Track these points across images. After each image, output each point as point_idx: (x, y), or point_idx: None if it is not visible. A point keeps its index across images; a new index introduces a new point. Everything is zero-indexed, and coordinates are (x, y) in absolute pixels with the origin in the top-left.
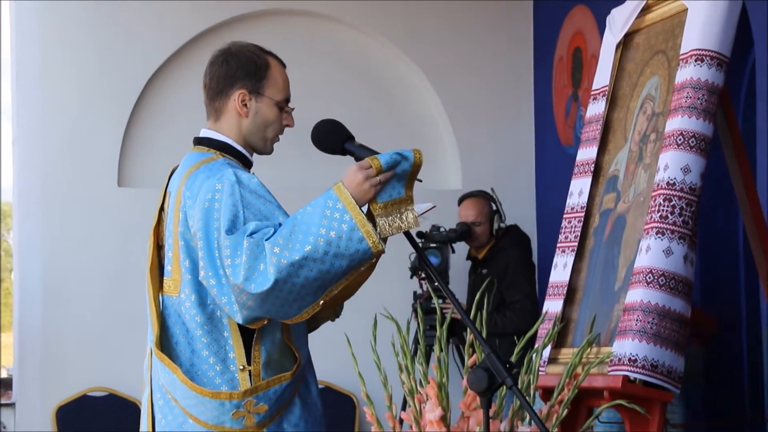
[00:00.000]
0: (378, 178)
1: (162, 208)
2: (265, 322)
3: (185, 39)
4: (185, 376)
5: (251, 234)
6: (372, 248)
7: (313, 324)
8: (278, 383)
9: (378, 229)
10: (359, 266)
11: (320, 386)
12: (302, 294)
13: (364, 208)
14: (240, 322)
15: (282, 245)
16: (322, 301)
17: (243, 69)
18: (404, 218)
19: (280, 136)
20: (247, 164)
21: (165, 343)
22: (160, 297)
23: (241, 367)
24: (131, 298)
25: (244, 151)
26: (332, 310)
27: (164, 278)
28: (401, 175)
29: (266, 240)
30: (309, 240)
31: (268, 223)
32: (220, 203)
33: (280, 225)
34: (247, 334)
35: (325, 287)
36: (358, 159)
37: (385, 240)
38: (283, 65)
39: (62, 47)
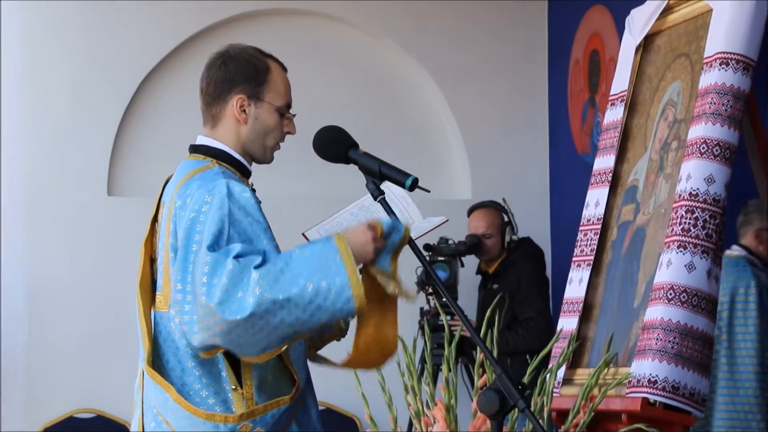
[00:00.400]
0: (380, 243)
1: (155, 219)
2: (219, 352)
3: (179, 40)
4: (179, 395)
5: (237, 257)
6: (357, 310)
7: (318, 344)
8: (276, 407)
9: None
10: (333, 322)
11: (321, 408)
12: (271, 336)
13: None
14: (194, 344)
15: (270, 279)
16: (285, 347)
17: (242, 73)
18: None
19: (280, 144)
20: (246, 173)
21: (155, 362)
22: (152, 313)
23: (234, 387)
24: (121, 315)
25: (242, 160)
26: (338, 329)
27: (156, 293)
28: (389, 247)
29: (255, 268)
30: (298, 282)
31: (253, 248)
32: (206, 216)
33: (264, 252)
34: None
35: (294, 335)
36: (361, 167)
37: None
38: (284, 69)
39: (49, 48)
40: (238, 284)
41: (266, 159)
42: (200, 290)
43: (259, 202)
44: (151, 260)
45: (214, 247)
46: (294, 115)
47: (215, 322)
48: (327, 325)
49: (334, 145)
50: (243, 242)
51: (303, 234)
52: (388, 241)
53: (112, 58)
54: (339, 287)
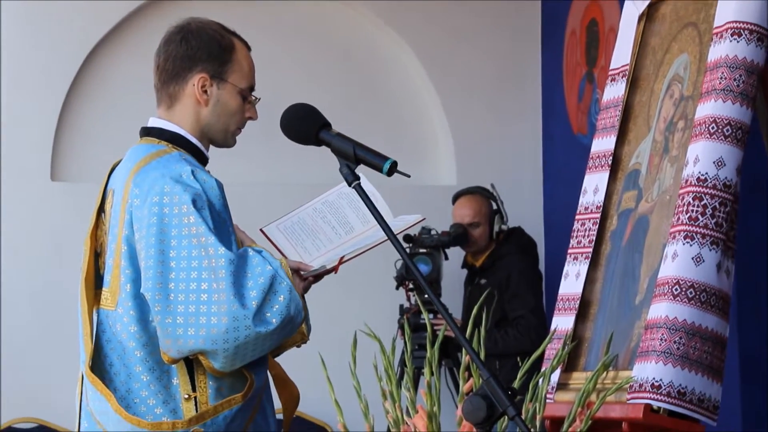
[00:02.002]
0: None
1: (101, 209)
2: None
3: (127, 10)
4: (119, 405)
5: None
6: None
7: (277, 350)
8: (228, 407)
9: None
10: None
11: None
12: (257, 350)
13: None
14: (174, 352)
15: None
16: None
17: (205, 50)
18: None
19: (246, 129)
20: (203, 160)
21: (97, 365)
22: (95, 311)
23: (186, 396)
24: (65, 313)
25: (199, 145)
26: (299, 334)
27: (102, 289)
28: None
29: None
30: (291, 309)
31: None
32: (179, 209)
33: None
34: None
35: (255, 354)
36: (334, 150)
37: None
38: (249, 48)
39: None
40: (268, 294)
41: (227, 143)
42: (228, 296)
43: (224, 196)
44: (96, 253)
45: (224, 244)
46: (258, 99)
47: (247, 334)
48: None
49: (304, 124)
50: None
51: (261, 230)
52: None
53: (52, 31)
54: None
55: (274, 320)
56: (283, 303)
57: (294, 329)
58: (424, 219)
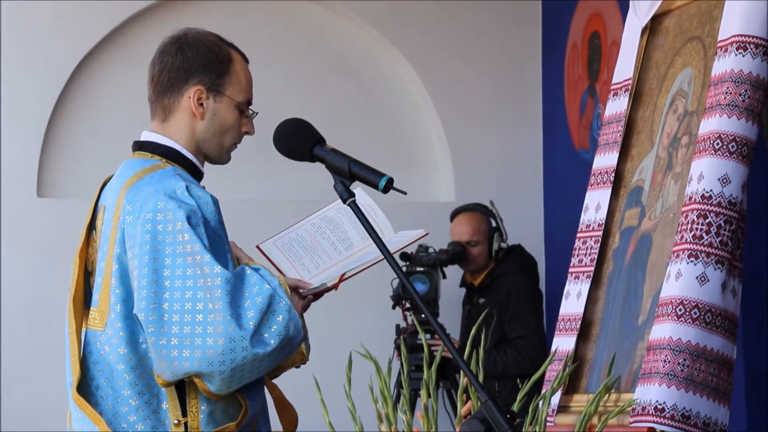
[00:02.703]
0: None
1: (92, 226)
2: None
3: (118, 21)
4: (108, 428)
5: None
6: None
7: (276, 371)
8: None
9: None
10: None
11: None
12: (254, 371)
13: None
14: (169, 375)
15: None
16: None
17: (201, 61)
18: None
19: (239, 144)
20: (197, 175)
21: (83, 388)
22: (84, 332)
23: (176, 422)
24: (51, 332)
25: (194, 160)
26: (298, 355)
27: (90, 309)
28: None
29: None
30: (290, 329)
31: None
32: (173, 227)
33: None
34: (182, 380)
35: (252, 375)
36: (329, 166)
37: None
38: (246, 60)
39: None
40: (266, 314)
41: (222, 159)
42: (224, 316)
43: (220, 212)
44: (86, 272)
45: (220, 262)
46: (255, 114)
47: (244, 355)
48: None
49: (298, 140)
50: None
51: (258, 247)
52: None
53: (40, 42)
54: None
55: (272, 341)
56: (282, 323)
57: (293, 350)
58: (427, 234)
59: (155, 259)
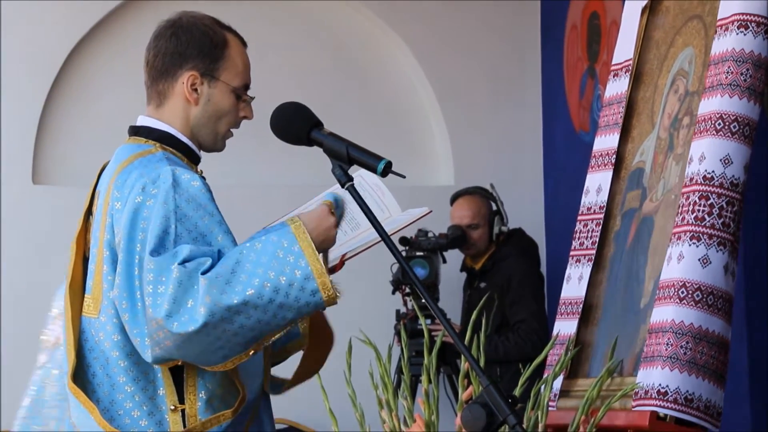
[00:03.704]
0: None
1: (89, 212)
2: (179, 362)
3: (112, 6)
4: (102, 417)
5: (183, 261)
6: (326, 302)
7: (283, 354)
8: (217, 423)
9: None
10: (304, 318)
11: (281, 426)
12: (232, 343)
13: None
14: (148, 360)
15: (220, 283)
16: (252, 351)
17: (195, 46)
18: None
19: (233, 131)
20: (194, 159)
21: (79, 375)
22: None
23: (173, 407)
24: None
25: (190, 144)
26: (305, 336)
27: (84, 296)
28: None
29: (202, 273)
30: (253, 283)
31: (205, 249)
32: (150, 211)
33: (219, 252)
34: (179, 367)
35: (259, 338)
36: (326, 150)
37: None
38: (244, 44)
39: None
40: (187, 293)
41: (216, 147)
42: (146, 301)
43: (210, 192)
44: (85, 258)
45: (158, 250)
46: (252, 98)
47: (165, 337)
48: (301, 320)
49: (295, 124)
50: (194, 239)
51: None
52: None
53: (33, 28)
54: (301, 281)
55: (235, 299)
56: (198, 301)
57: (281, 313)
58: (431, 212)
59: (129, 246)
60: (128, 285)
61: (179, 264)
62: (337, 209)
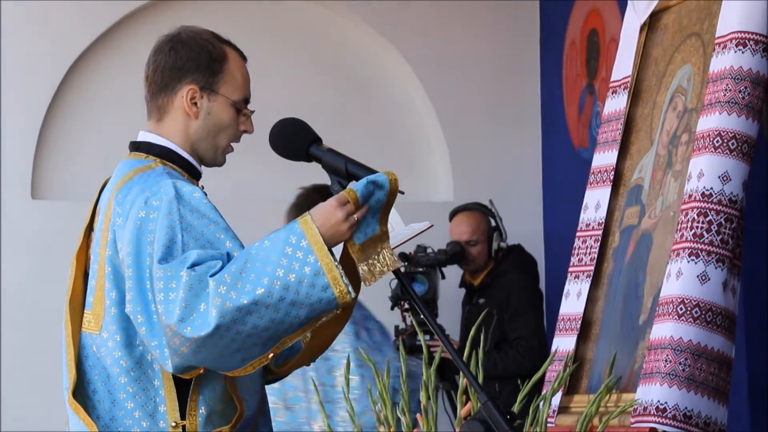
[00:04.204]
0: (356, 215)
1: (91, 227)
2: (201, 371)
3: (114, 19)
4: None
5: (192, 266)
6: (338, 298)
7: (283, 370)
8: None
9: (361, 276)
10: (320, 317)
11: None
12: (248, 344)
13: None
14: (170, 370)
15: (229, 284)
16: (271, 354)
17: (194, 60)
18: (382, 259)
19: (233, 145)
20: (195, 175)
21: (80, 392)
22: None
23: (174, 424)
24: (45, 335)
25: (190, 159)
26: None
27: (84, 311)
28: (375, 208)
29: (211, 276)
30: (263, 282)
31: (213, 252)
32: (155, 223)
33: (227, 255)
34: (182, 383)
35: (276, 338)
36: (325, 166)
37: (357, 289)
38: (244, 58)
39: None
40: (199, 296)
41: (217, 161)
42: (159, 309)
43: (211, 203)
44: (85, 274)
45: (166, 258)
46: (252, 112)
47: (181, 343)
48: (316, 318)
49: (294, 140)
50: (202, 247)
51: None
52: (372, 201)
53: (34, 41)
54: (310, 277)
55: (244, 299)
56: (208, 306)
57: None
58: (432, 226)
59: (138, 259)
60: (142, 298)
61: (188, 268)
62: (374, 193)
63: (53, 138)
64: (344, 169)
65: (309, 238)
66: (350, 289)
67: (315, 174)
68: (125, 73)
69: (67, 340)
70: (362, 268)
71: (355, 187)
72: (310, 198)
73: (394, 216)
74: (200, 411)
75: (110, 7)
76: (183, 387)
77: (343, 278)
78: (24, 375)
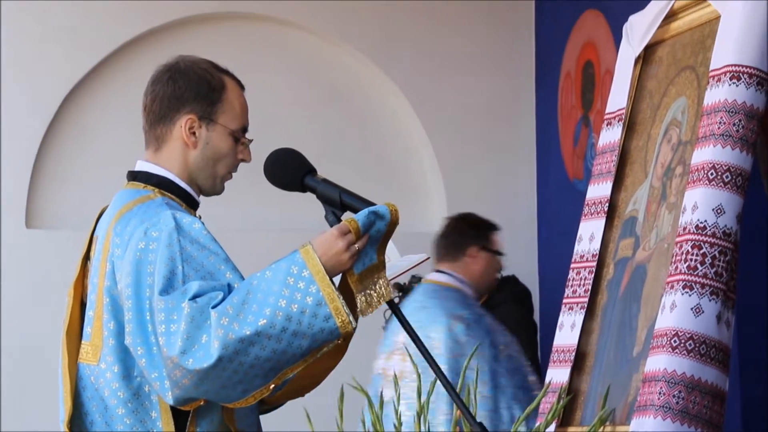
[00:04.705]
0: (357, 245)
1: (88, 257)
2: (201, 403)
3: (110, 48)
4: None
5: (194, 297)
6: (340, 328)
7: (280, 400)
8: None
9: (358, 307)
10: (322, 347)
11: None
12: (250, 375)
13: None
14: (170, 402)
15: (231, 316)
16: (272, 385)
17: (193, 89)
18: (379, 289)
19: (232, 174)
20: (193, 205)
21: (77, 423)
22: (77, 365)
23: None
24: (41, 365)
25: (189, 189)
26: (297, 391)
27: (82, 342)
28: (375, 238)
29: (212, 307)
30: (264, 313)
31: (214, 283)
32: (155, 255)
33: (228, 286)
34: (180, 415)
35: (278, 369)
36: (320, 196)
37: (356, 318)
38: (242, 87)
39: None
40: (200, 328)
41: (215, 190)
42: (160, 341)
43: (210, 234)
44: (82, 304)
45: (167, 290)
46: (250, 141)
47: (182, 375)
48: (318, 349)
49: (289, 170)
50: (202, 278)
51: None
52: (372, 231)
53: (30, 69)
54: (312, 307)
55: (247, 329)
56: (210, 338)
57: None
58: (429, 258)
59: (137, 291)
60: (141, 330)
61: (190, 300)
62: (375, 224)
63: (49, 167)
64: (338, 200)
65: (311, 268)
66: (351, 318)
67: (315, 204)
68: (122, 102)
69: (64, 371)
70: (360, 299)
71: (357, 217)
72: (457, 228)
73: (390, 247)
74: None
75: (108, 36)
76: (180, 419)
77: (345, 308)
78: (22, 403)
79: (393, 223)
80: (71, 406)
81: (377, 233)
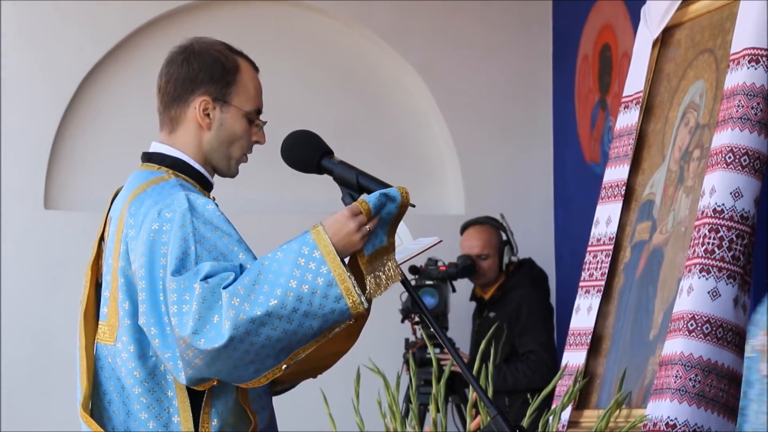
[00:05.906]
0: (368, 226)
1: (102, 238)
2: (215, 383)
3: (127, 31)
4: None
5: (206, 278)
6: (351, 308)
7: (292, 378)
8: None
9: (367, 289)
10: (333, 328)
11: None
12: (261, 356)
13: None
14: (183, 382)
15: (242, 296)
16: (284, 366)
17: (207, 71)
18: (387, 271)
19: (247, 156)
20: (207, 186)
21: (96, 403)
22: (94, 346)
23: None
24: (60, 345)
25: (203, 171)
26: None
27: (99, 322)
28: (386, 220)
29: (224, 288)
30: (275, 293)
31: (226, 264)
32: (168, 236)
33: (240, 267)
34: (196, 394)
35: (290, 350)
36: (337, 178)
37: (369, 300)
38: (256, 69)
39: None
40: (212, 308)
41: (230, 172)
42: (172, 321)
43: (224, 215)
44: (98, 285)
45: (179, 270)
46: (264, 123)
47: (195, 355)
48: (330, 329)
49: (305, 152)
50: (215, 259)
51: None
52: (383, 213)
53: (48, 52)
54: (323, 287)
55: (257, 311)
56: (221, 317)
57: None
58: (441, 241)
59: (151, 271)
60: (155, 310)
61: (201, 280)
62: (386, 205)
63: (67, 148)
64: (355, 182)
65: (321, 249)
66: (363, 299)
67: (327, 186)
68: (138, 85)
69: (81, 352)
70: (369, 280)
71: (368, 198)
72: None
73: (402, 230)
74: (212, 423)
75: (123, 20)
76: (196, 399)
77: (356, 288)
78: (29, 389)
79: (404, 206)
80: (87, 386)
81: (388, 215)
